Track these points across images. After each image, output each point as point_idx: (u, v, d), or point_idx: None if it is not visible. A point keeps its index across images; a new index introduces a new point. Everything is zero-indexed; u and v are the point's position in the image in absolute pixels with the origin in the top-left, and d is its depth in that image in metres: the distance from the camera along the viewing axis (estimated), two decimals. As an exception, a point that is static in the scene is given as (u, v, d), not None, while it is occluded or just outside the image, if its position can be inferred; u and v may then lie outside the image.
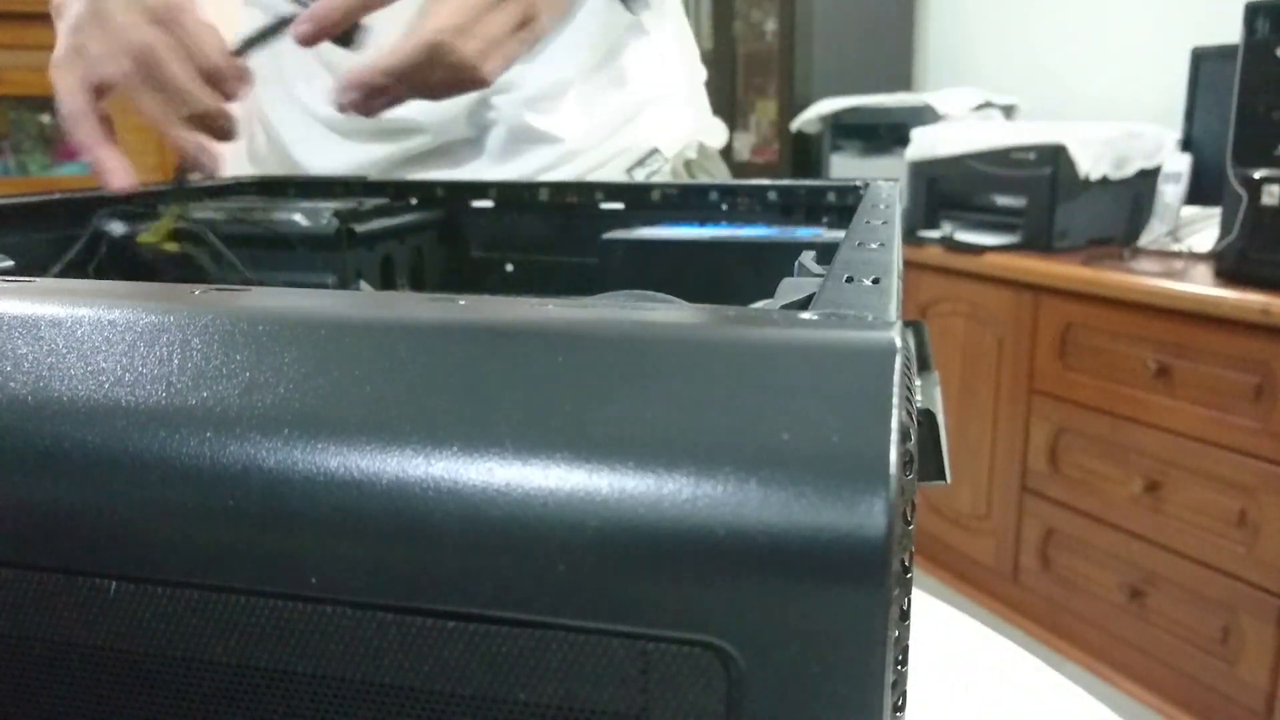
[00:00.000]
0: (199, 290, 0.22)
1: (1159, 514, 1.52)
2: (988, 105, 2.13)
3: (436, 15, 0.50)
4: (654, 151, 0.72)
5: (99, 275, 0.51)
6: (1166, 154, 1.78)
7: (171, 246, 0.50)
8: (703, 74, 0.82)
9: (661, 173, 0.72)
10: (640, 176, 0.71)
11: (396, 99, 0.53)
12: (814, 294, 0.23)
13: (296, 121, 0.74)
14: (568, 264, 0.58)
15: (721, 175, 0.78)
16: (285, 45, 0.72)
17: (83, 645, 0.19)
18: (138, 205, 0.53)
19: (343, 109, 0.53)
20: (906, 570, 0.17)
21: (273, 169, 0.77)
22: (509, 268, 0.59)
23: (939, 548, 2.02)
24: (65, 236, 0.49)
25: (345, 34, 0.54)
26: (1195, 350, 1.45)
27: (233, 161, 0.80)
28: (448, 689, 0.17)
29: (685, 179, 0.74)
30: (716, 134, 0.79)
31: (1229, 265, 1.44)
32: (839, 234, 0.47)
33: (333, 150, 0.72)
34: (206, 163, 0.55)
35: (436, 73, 0.51)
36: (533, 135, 0.70)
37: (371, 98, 0.53)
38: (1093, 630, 1.67)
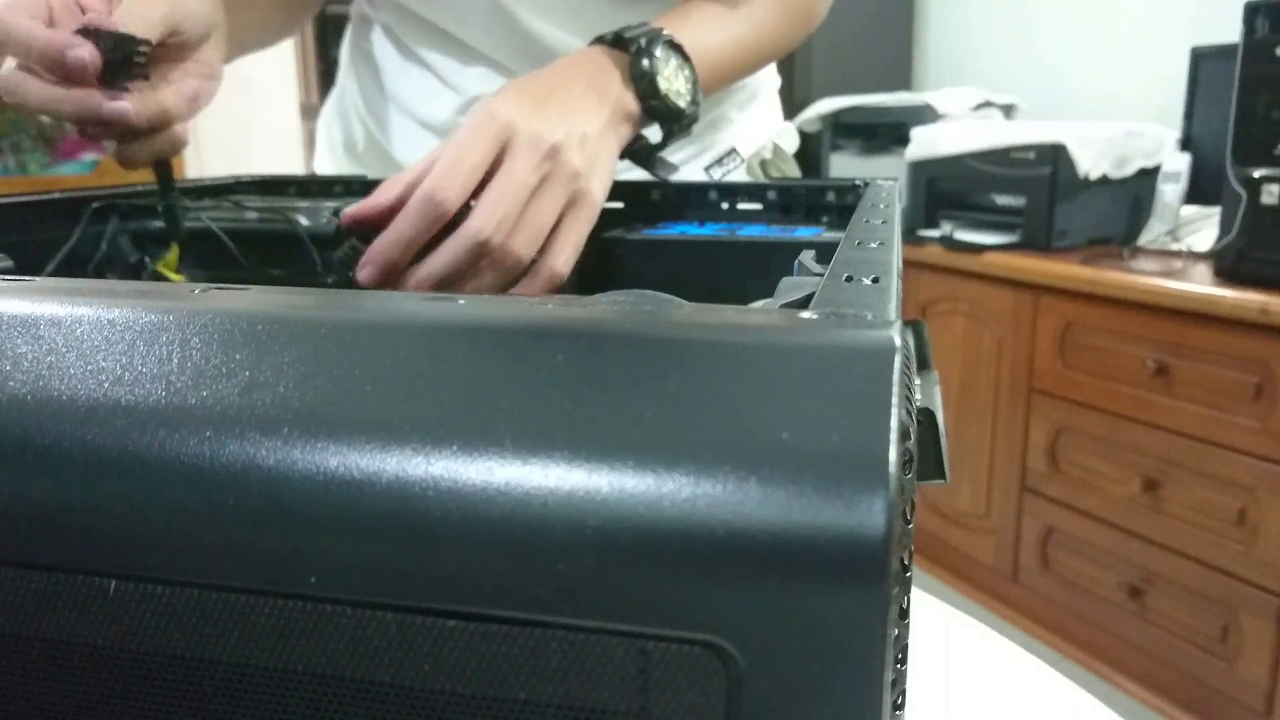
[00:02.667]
0: (199, 290, 0.22)
1: (1158, 513, 1.53)
2: (987, 105, 2.13)
3: (474, 212, 0.46)
4: (732, 151, 0.74)
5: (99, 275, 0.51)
6: (1166, 153, 1.78)
7: (178, 278, 0.51)
8: (778, 81, 0.85)
9: (738, 172, 0.74)
10: (718, 175, 0.73)
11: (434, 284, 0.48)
12: (813, 293, 0.23)
13: (395, 120, 0.75)
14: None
15: (792, 174, 0.81)
16: (386, 50, 0.74)
17: (83, 645, 0.19)
18: (136, 203, 0.53)
19: (360, 280, 0.48)
20: (906, 569, 0.17)
21: (369, 164, 0.79)
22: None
23: (939, 547, 2.02)
24: (65, 236, 0.49)
25: None
26: (1194, 350, 1.45)
27: (329, 156, 0.82)
28: (448, 689, 0.17)
29: (761, 178, 0.76)
30: (789, 137, 0.81)
31: (1228, 264, 1.44)
32: (839, 233, 0.47)
33: (427, 148, 0.73)
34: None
35: (487, 275, 0.47)
36: None
37: (394, 274, 0.47)
38: (1092, 629, 1.67)
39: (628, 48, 0.53)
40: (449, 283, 0.47)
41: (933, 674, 0.51)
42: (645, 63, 0.52)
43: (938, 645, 0.54)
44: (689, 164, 0.74)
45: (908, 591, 0.17)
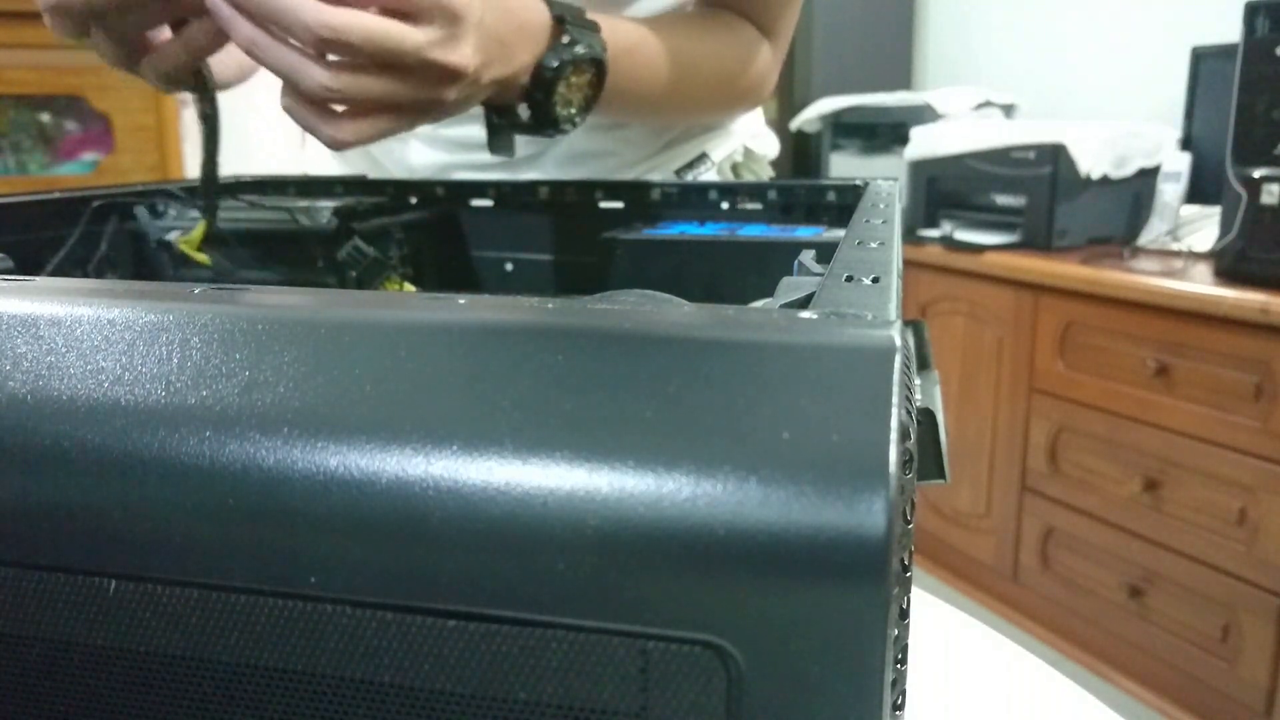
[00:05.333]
0: (199, 289, 0.22)
1: (1159, 513, 1.52)
2: (987, 104, 2.13)
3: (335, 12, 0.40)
4: (702, 155, 0.74)
5: (109, 268, 0.51)
6: (1166, 153, 1.78)
7: (202, 258, 0.50)
8: None
9: (708, 175, 0.74)
10: (688, 177, 0.72)
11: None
12: (814, 293, 0.23)
13: None
14: (568, 264, 0.58)
15: (765, 176, 0.80)
16: None
17: (83, 645, 0.19)
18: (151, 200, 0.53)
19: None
20: (906, 569, 0.17)
21: (355, 162, 0.79)
22: (509, 267, 0.59)
23: (939, 547, 2.02)
24: (65, 236, 0.49)
25: None
26: (1195, 349, 1.45)
27: (319, 156, 0.82)
28: (448, 688, 0.17)
29: (733, 179, 0.76)
30: (767, 142, 0.80)
31: (1228, 264, 1.44)
32: (839, 233, 0.47)
33: (410, 152, 0.73)
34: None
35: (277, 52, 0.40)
36: (590, 153, 0.71)
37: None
38: (1092, 629, 1.67)
39: (561, 30, 0.50)
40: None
41: (933, 674, 0.51)
42: (554, 63, 0.49)
43: (938, 645, 0.54)
44: (659, 170, 0.73)
45: (908, 591, 0.17)
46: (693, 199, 0.57)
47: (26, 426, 0.19)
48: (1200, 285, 1.43)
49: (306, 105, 0.43)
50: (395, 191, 0.61)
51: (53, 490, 0.18)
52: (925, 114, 2.09)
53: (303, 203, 0.55)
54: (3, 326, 0.21)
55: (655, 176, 0.73)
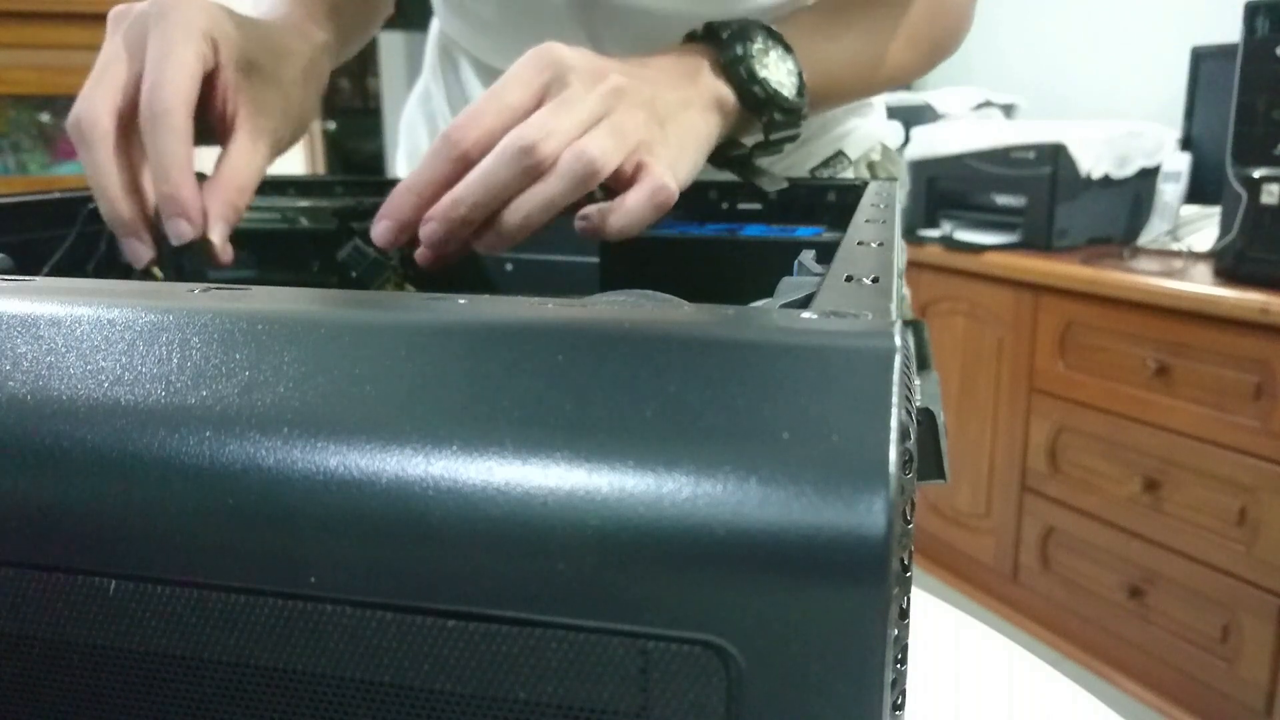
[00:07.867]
0: (199, 289, 0.22)
1: (1159, 513, 1.52)
2: (987, 104, 2.13)
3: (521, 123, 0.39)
4: (839, 154, 0.70)
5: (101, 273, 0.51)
6: (1166, 153, 1.78)
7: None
8: None
9: (845, 173, 0.70)
10: (824, 175, 0.69)
11: (461, 231, 0.41)
12: (813, 293, 0.23)
13: None
14: (568, 264, 0.58)
15: (901, 174, 0.76)
16: (461, 54, 0.71)
17: (83, 644, 0.19)
18: None
19: (375, 238, 0.42)
20: (906, 569, 0.17)
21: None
22: (509, 268, 0.59)
23: (939, 547, 2.02)
24: (65, 236, 0.49)
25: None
26: (1195, 349, 1.45)
27: (404, 160, 0.82)
28: (448, 688, 0.17)
29: (869, 179, 0.72)
30: (894, 134, 0.77)
31: (1228, 264, 1.44)
32: (839, 233, 0.47)
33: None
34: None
35: (538, 189, 0.40)
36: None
37: (412, 225, 0.41)
38: (1092, 629, 1.67)
39: (718, 34, 0.48)
40: (489, 201, 0.40)
41: (933, 674, 0.51)
42: (739, 48, 0.47)
43: (938, 645, 0.54)
44: (795, 168, 0.69)
45: (908, 591, 0.17)
46: (693, 199, 0.57)
47: (26, 426, 0.19)
48: (1200, 285, 1.43)
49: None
50: (395, 191, 0.60)
51: (53, 490, 0.18)
52: (925, 114, 2.09)
53: (303, 203, 0.55)
54: (3, 326, 0.21)
55: (792, 174, 0.71)
